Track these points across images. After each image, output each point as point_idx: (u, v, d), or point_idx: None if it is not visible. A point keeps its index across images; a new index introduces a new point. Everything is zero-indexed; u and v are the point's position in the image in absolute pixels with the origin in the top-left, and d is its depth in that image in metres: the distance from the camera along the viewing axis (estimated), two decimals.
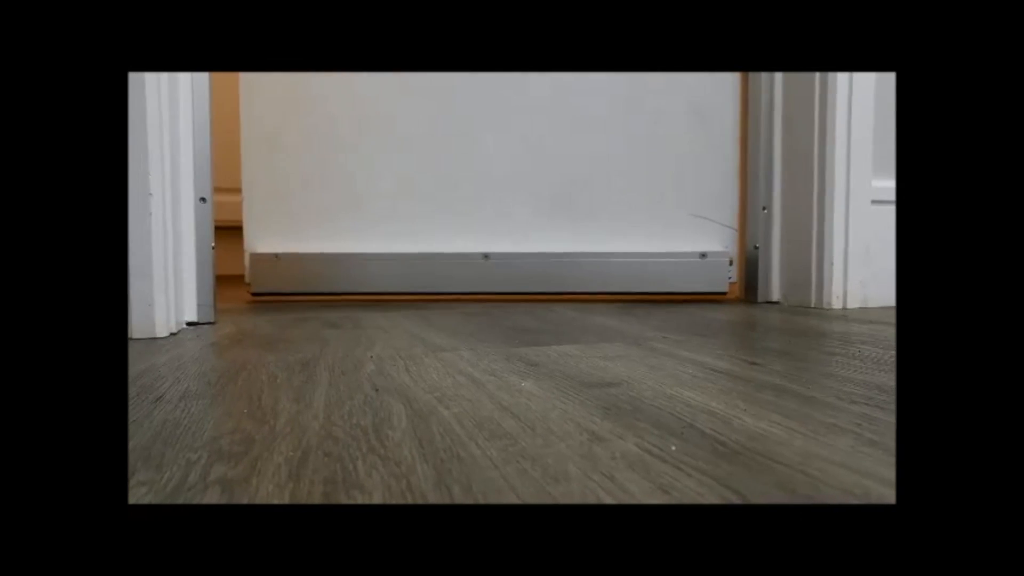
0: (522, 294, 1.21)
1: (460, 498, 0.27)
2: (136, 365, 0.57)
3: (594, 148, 1.21)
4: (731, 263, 1.25)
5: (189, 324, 0.87)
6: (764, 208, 1.23)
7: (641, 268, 1.21)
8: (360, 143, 1.17)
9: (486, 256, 1.19)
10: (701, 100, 1.24)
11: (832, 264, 1.12)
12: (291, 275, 1.18)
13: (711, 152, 1.26)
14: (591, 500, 0.27)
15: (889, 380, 0.50)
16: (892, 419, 0.39)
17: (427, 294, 1.20)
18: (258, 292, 1.19)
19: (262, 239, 1.20)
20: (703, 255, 1.23)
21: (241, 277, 1.22)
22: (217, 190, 0.89)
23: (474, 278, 1.19)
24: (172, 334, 0.78)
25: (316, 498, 0.27)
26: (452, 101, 1.16)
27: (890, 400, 0.44)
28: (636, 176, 1.23)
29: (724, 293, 1.26)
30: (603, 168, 1.21)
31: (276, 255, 1.18)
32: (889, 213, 1.15)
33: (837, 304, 1.12)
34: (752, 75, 1.25)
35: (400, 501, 0.27)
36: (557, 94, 1.18)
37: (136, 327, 0.74)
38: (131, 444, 0.34)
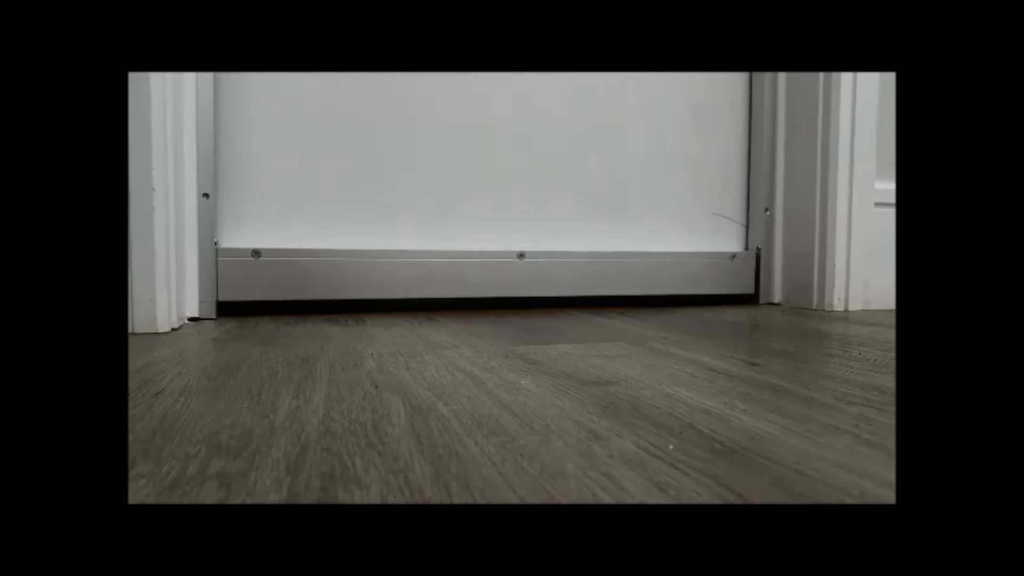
0: (560, 300, 1.13)
1: (457, 494, 0.27)
2: (137, 360, 0.57)
3: (616, 149, 1.19)
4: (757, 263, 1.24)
5: (191, 320, 0.88)
6: (767, 210, 1.23)
7: (677, 268, 1.17)
8: (376, 125, 1.05)
9: (521, 255, 1.08)
10: (713, 101, 1.24)
11: (834, 266, 1.12)
12: (275, 277, 0.95)
13: (724, 152, 1.25)
14: (588, 498, 0.27)
15: (888, 382, 0.50)
16: (890, 420, 0.39)
17: (453, 300, 1.06)
18: (228, 300, 0.93)
19: (234, 230, 0.98)
20: (733, 256, 1.22)
21: None
22: None
23: (507, 280, 1.08)
24: (174, 329, 0.78)
25: (314, 493, 0.27)
26: (470, 97, 1.12)
27: (888, 402, 0.44)
28: (660, 177, 1.21)
29: (751, 295, 1.24)
30: (626, 169, 1.19)
31: (255, 251, 0.95)
32: (892, 216, 1.15)
33: (839, 306, 1.12)
34: (755, 75, 1.25)
35: (397, 497, 0.27)
36: (577, 95, 1.16)
37: (138, 322, 0.74)
38: (131, 437, 0.34)
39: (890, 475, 0.30)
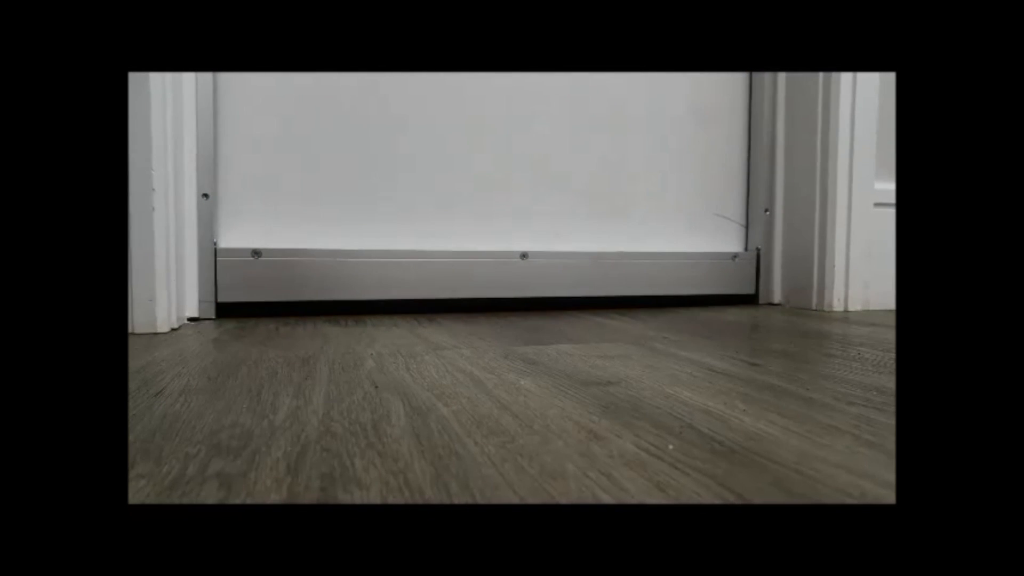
0: (561, 300, 1.12)
1: (457, 494, 0.27)
2: (137, 360, 0.57)
3: (616, 149, 1.18)
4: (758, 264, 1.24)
5: (190, 320, 0.87)
6: (766, 210, 1.23)
7: (678, 269, 1.17)
8: (376, 125, 1.04)
9: (524, 255, 1.08)
10: (713, 101, 1.24)
11: (834, 267, 1.12)
12: (275, 278, 0.94)
13: (724, 152, 1.25)
14: (588, 498, 0.27)
15: (887, 382, 0.50)
16: (890, 421, 0.39)
17: (453, 301, 1.05)
18: (227, 301, 0.93)
19: (234, 230, 0.97)
20: (734, 256, 1.22)
21: None
22: None
23: (509, 281, 1.07)
24: (173, 329, 0.78)
25: (313, 493, 0.27)
26: (468, 96, 1.12)
27: (888, 402, 0.44)
28: (660, 177, 1.21)
29: (751, 295, 1.24)
30: (627, 169, 1.19)
31: (255, 251, 0.94)
32: (891, 216, 1.15)
33: (839, 306, 1.12)
34: (755, 75, 1.25)
35: (397, 497, 0.27)
36: (577, 95, 1.16)
37: (138, 322, 0.74)
38: (131, 437, 0.34)
39: (890, 475, 0.30)
